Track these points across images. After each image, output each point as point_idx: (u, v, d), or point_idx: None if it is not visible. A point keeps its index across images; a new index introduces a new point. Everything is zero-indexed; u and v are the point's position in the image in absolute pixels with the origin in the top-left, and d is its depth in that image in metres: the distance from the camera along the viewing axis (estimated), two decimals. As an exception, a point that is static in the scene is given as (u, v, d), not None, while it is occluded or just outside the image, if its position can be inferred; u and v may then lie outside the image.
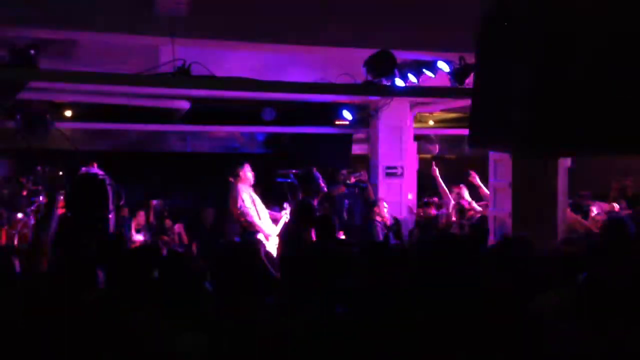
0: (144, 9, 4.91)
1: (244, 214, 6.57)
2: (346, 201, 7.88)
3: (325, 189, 7.14)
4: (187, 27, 5.11)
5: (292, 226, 5.74)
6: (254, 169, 6.85)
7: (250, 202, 6.62)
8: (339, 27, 5.31)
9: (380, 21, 5.31)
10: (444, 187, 7.88)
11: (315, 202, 6.57)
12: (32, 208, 6.72)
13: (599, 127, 3.55)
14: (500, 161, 6.25)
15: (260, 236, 6.48)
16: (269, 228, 6.64)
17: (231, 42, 5.72)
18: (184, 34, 5.18)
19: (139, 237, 7.43)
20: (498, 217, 6.26)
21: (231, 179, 6.71)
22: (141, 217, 7.85)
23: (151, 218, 8.11)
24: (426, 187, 8.74)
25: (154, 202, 8.32)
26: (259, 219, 6.63)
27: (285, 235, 5.89)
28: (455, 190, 7.61)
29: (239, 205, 6.58)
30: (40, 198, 6.71)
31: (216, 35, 5.52)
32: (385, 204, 7.54)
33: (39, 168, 6.95)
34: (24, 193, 6.69)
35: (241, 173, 6.71)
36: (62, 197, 6.30)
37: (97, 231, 5.69)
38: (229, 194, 6.70)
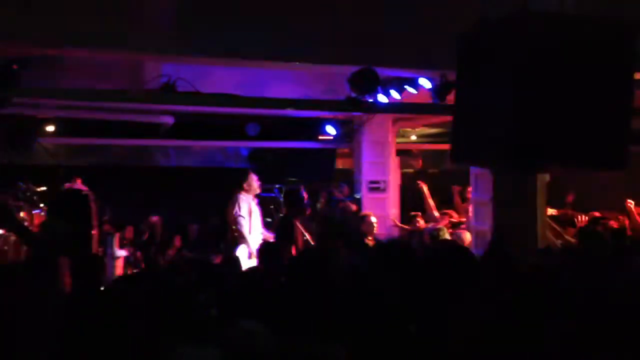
0: (129, 25, 4.95)
1: (236, 223, 6.60)
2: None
3: (309, 209, 7.16)
4: (172, 44, 5.15)
5: (273, 242, 5.77)
6: (236, 184, 6.89)
7: (246, 212, 6.67)
8: (323, 44, 5.38)
9: (363, 38, 5.40)
10: (431, 203, 7.95)
11: (297, 221, 6.60)
12: (14, 224, 6.64)
13: (576, 144, 3.64)
14: (481, 176, 6.34)
15: (242, 249, 6.48)
16: (255, 244, 6.66)
17: (215, 59, 5.76)
18: (169, 50, 5.22)
19: (122, 253, 7.39)
20: (479, 232, 6.34)
21: (235, 189, 6.79)
22: (129, 232, 7.82)
23: (159, 233, 8.05)
24: (409, 201, 8.81)
25: (154, 218, 8.29)
26: (249, 232, 6.66)
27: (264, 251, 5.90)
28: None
29: (234, 212, 6.63)
30: (22, 214, 6.65)
31: (200, 51, 5.56)
32: (373, 218, 7.38)
33: (21, 183, 6.90)
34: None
35: (245, 184, 6.78)
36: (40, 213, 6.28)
37: (77, 249, 5.65)
38: (229, 202, 6.76)
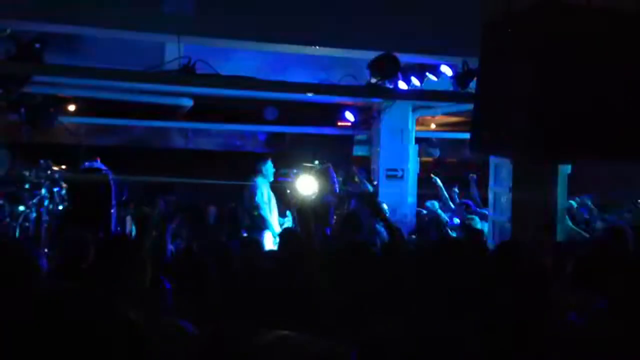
0: (150, 6, 4.96)
1: (257, 208, 6.66)
2: (352, 201, 7.93)
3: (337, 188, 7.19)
4: (193, 26, 5.15)
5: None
6: (253, 169, 6.93)
7: (265, 197, 6.73)
8: (344, 28, 5.35)
9: (385, 24, 5.35)
10: (446, 194, 7.95)
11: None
12: (34, 201, 6.74)
13: (598, 135, 3.59)
14: (500, 166, 6.28)
15: (266, 234, 6.54)
16: (276, 227, 6.73)
17: (236, 41, 5.75)
18: (190, 32, 5.22)
19: (139, 233, 7.45)
20: (497, 222, 6.29)
21: (253, 174, 6.83)
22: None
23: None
24: (427, 190, 8.77)
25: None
26: (270, 216, 6.73)
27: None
28: None
29: (256, 198, 6.68)
30: (43, 191, 6.73)
31: (221, 34, 5.55)
32: (385, 206, 7.49)
33: (41, 161, 6.97)
34: (27, 186, 6.71)
35: (263, 168, 6.84)
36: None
37: (99, 226, 5.72)
38: (247, 187, 6.80)
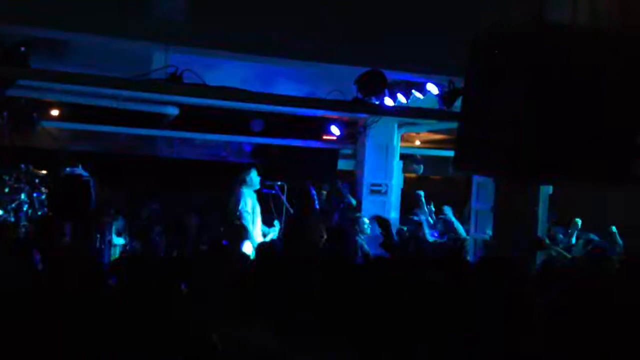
0: (139, 14, 4.94)
1: (240, 218, 6.62)
2: (336, 215, 7.94)
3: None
4: (181, 35, 5.14)
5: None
6: (238, 178, 6.90)
7: (249, 207, 6.70)
8: (332, 44, 5.38)
9: (373, 40, 5.39)
10: (427, 209, 8.00)
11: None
12: (13, 206, 6.65)
13: (581, 158, 3.63)
14: (483, 185, 6.33)
15: (245, 244, 6.49)
16: (257, 239, 6.70)
17: (224, 52, 5.75)
18: (177, 41, 5.21)
19: (120, 241, 7.38)
20: (478, 240, 6.33)
21: (237, 184, 6.80)
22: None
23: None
24: (410, 206, 8.80)
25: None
26: (252, 226, 6.70)
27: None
28: None
29: (239, 207, 6.65)
30: (22, 196, 6.64)
31: (209, 44, 5.55)
32: (366, 220, 7.54)
33: (22, 166, 6.89)
34: (6, 190, 6.62)
35: (247, 178, 6.81)
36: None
37: (77, 233, 5.64)
38: (232, 196, 6.76)
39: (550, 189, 5.93)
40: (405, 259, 4.78)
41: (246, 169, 6.91)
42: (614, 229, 6.77)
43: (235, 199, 6.73)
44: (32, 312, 2.68)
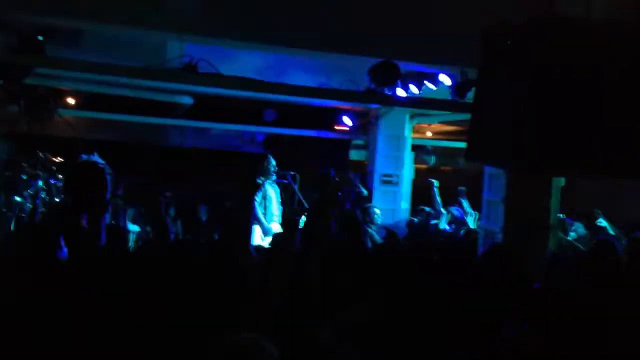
0: (154, 4, 4.99)
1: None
2: (347, 205, 7.99)
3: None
4: (195, 25, 5.18)
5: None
6: (251, 168, 6.98)
7: (260, 196, 6.79)
8: (346, 34, 5.40)
9: (386, 31, 5.40)
10: (439, 200, 8.01)
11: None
12: (30, 192, 6.76)
13: (594, 150, 3.64)
14: (495, 176, 6.33)
15: (255, 228, 6.58)
16: (269, 227, 6.79)
17: (238, 42, 5.79)
18: (192, 31, 5.26)
19: (134, 228, 7.48)
20: (488, 231, 6.34)
21: (255, 172, 6.91)
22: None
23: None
24: (421, 197, 8.83)
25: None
26: (264, 214, 6.78)
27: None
28: None
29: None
30: (39, 183, 6.75)
31: (223, 34, 5.60)
32: (377, 210, 7.56)
33: (39, 153, 7.00)
34: (24, 177, 6.73)
35: (262, 168, 6.92)
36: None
37: (93, 219, 5.72)
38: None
39: (562, 181, 5.93)
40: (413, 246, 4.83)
41: (262, 159, 7.01)
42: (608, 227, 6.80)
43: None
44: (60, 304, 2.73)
